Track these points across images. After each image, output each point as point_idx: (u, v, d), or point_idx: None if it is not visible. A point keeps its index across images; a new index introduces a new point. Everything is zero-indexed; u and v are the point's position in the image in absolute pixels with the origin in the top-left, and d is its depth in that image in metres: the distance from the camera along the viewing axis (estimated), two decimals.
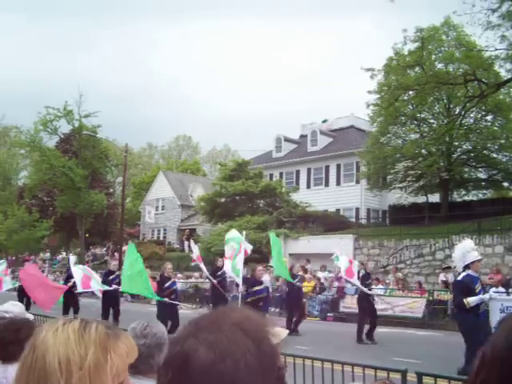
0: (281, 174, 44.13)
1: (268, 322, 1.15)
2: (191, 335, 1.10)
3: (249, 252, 16.61)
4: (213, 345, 1.05)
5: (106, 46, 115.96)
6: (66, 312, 17.13)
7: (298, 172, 43.46)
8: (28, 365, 1.25)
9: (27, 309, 17.46)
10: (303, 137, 46.83)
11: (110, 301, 17.86)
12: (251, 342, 1.06)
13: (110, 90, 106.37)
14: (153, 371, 2.90)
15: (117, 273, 18.14)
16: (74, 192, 42.81)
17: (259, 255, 30.39)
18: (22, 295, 18.87)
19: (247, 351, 1.04)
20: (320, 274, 26.33)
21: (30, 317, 4.79)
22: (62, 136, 48.37)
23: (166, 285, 15.03)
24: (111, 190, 59.37)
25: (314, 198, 38.85)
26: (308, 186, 42.28)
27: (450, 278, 22.06)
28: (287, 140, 46.69)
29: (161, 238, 50.88)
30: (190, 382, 1.05)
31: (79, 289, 16.44)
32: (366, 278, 16.63)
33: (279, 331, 1.15)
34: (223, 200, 38.56)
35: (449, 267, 22.84)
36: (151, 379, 2.92)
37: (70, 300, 17.70)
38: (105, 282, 17.43)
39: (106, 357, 1.27)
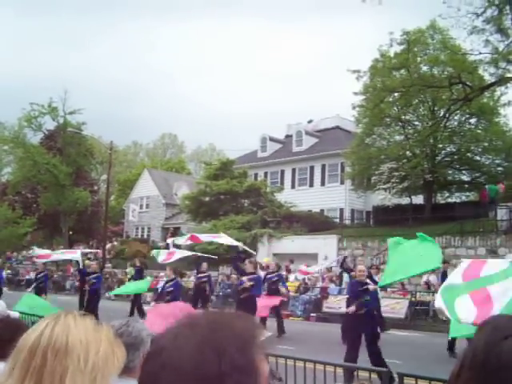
0: (265, 173, 44.13)
1: (254, 332, 1.13)
2: (173, 326, 1.14)
3: None
4: (176, 336, 1.09)
5: (96, 43, 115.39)
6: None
7: (282, 172, 43.47)
8: (45, 341, 1.38)
9: None
10: (288, 137, 46.83)
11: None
12: (196, 348, 1.05)
13: (97, 87, 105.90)
14: (127, 371, 2.87)
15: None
16: (58, 189, 42.56)
17: (243, 254, 30.38)
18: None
19: (198, 352, 1.04)
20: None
21: (16, 314, 4.78)
22: (47, 133, 48.04)
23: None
24: (95, 188, 58.96)
25: (299, 198, 38.89)
26: (293, 186, 42.31)
27: (433, 279, 22.22)
28: (272, 140, 46.67)
29: (145, 237, 50.67)
30: (147, 363, 1.11)
31: None
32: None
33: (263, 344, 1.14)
34: (208, 199, 38.48)
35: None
36: (123, 379, 2.89)
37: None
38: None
39: (113, 352, 1.44)
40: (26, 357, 1.37)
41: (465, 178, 35.56)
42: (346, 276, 25.12)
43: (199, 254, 21.46)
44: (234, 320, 1.13)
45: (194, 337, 1.06)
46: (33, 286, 20.49)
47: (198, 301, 18.94)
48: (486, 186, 29.00)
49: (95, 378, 1.38)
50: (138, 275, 21.27)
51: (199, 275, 19.57)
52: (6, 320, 3.28)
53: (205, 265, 19.96)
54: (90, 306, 17.39)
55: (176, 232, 45.65)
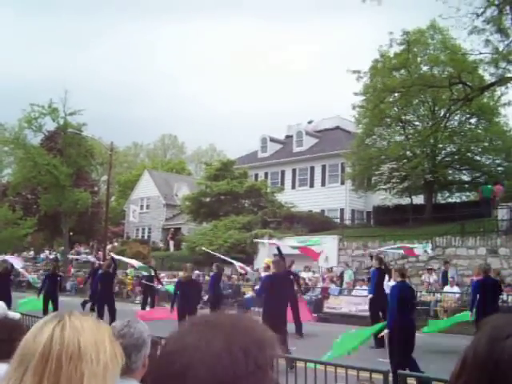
0: (266, 174, 44.13)
1: (270, 333, 1.15)
2: (187, 327, 1.15)
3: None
4: (200, 335, 1.08)
5: (96, 43, 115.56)
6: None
7: (283, 172, 43.48)
8: (57, 345, 1.38)
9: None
10: (289, 137, 46.82)
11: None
12: (224, 347, 1.06)
13: (98, 88, 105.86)
14: (129, 372, 2.88)
15: None
16: (59, 190, 42.43)
17: (244, 255, 30.42)
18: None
19: (227, 352, 1.05)
20: (304, 275, 26.40)
21: (16, 315, 4.78)
22: (47, 133, 47.98)
23: None
24: (96, 189, 58.88)
25: (299, 199, 38.89)
26: (293, 187, 42.30)
27: (433, 279, 22.23)
28: (273, 140, 46.67)
29: (145, 237, 50.68)
30: (166, 364, 1.10)
31: None
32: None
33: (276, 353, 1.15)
34: (208, 199, 38.48)
35: (432, 269, 23.02)
36: (124, 379, 2.88)
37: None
38: None
39: (114, 349, 1.46)
40: (39, 362, 1.36)
41: (465, 178, 35.54)
42: (346, 276, 25.19)
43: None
44: (252, 322, 1.16)
45: (220, 336, 1.08)
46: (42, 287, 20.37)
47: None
48: (481, 187, 29.07)
49: (106, 379, 1.40)
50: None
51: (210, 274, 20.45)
52: (4, 321, 3.28)
53: (214, 265, 20.60)
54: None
55: (176, 233, 45.64)
